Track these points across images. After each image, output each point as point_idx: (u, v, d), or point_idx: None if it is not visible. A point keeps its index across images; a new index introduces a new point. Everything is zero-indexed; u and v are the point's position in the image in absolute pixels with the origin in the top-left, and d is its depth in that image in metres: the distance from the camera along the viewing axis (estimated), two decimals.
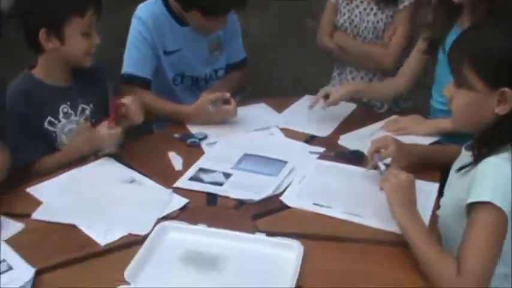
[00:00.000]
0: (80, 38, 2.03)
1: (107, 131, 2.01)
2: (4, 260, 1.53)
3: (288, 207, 1.79)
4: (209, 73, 2.59)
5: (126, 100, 2.05)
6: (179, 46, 2.46)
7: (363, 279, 1.49)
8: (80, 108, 2.16)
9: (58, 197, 1.83)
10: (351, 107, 2.45)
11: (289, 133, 2.26)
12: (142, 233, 1.63)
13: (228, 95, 2.29)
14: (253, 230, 1.65)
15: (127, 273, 1.44)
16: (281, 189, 1.87)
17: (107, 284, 1.42)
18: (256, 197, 1.81)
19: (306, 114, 2.37)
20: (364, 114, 2.44)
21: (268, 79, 3.53)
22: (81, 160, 2.03)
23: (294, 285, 1.41)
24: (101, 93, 2.23)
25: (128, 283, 1.42)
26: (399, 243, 1.58)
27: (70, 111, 2.14)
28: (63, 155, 2.09)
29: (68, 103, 2.14)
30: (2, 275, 1.49)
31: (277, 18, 4.42)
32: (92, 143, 2.04)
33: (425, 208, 1.72)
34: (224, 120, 2.29)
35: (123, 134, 2.04)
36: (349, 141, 2.18)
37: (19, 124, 2.02)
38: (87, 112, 2.17)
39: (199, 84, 2.57)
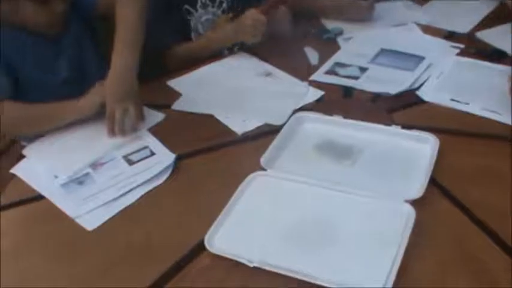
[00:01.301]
0: None
1: (252, 22, 1.99)
2: (147, 147, 1.62)
3: (424, 102, 1.75)
4: None
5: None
6: None
7: (496, 178, 1.45)
8: (217, 0, 2.17)
9: (197, 89, 1.88)
10: (492, 3, 2.33)
11: (427, 29, 2.19)
12: (278, 123, 1.65)
13: None
14: (389, 122, 1.63)
15: (263, 160, 1.48)
16: (418, 84, 1.83)
17: (244, 170, 1.45)
18: (393, 90, 1.78)
19: (445, 10, 2.29)
20: (507, 10, 2.31)
21: None
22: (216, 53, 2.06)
23: (428, 178, 1.40)
24: None
25: (264, 169, 1.46)
26: None
27: (208, 2, 2.15)
28: (202, 43, 2.13)
29: None
30: (145, 160, 1.57)
31: None
32: (236, 33, 2.04)
33: None
34: None
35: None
36: (490, 38, 2.09)
37: (158, 8, 2.05)
38: (224, 5, 2.17)
39: None
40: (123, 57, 1.71)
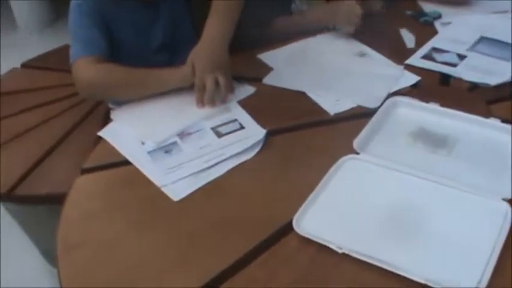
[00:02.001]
0: None
1: (347, 9, 1.95)
2: (236, 120, 1.59)
3: None
4: None
5: None
6: None
7: None
8: None
9: (288, 65, 1.84)
10: None
11: None
12: (373, 105, 1.60)
13: None
14: (487, 114, 1.56)
15: (356, 143, 1.43)
16: None
17: (336, 152, 1.42)
18: (492, 81, 1.71)
19: None
20: None
21: None
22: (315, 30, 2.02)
23: None
24: None
25: (357, 153, 1.42)
26: None
27: None
28: (301, 20, 2.08)
29: None
30: (234, 133, 1.55)
31: None
32: (331, 16, 2.00)
33: None
34: None
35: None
36: None
37: None
38: None
39: None
40: (217, 27, 1.69)
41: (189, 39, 1.85)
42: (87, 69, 1.68)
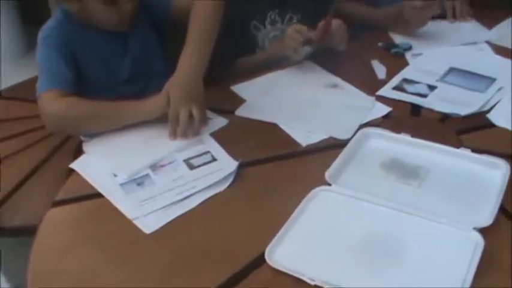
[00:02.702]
0: None
1: (293, 32, 1.93)
2: (208, 152, 1.59)
3: (495, 126, 1.70)
4: None
5: (334, 23, 1.95)
6: None
7: None
8: (287, 17, 2.15)
9: (261, 96, 1.85)
10: None
11: (499, 49, 2.13)
12: (344, 137, 1.61)
13: None
14: (458, 144, 1.58)
15: (328, 175, 1.44)
16: (488, 107, 1.77)
17: (308, 183, 1.42)
18: (462, 111, 1.73)
19: None
20: None
21: None
22: (275, 64, 2.02)
23: (497, 206, 1.34)
24: (312, 5, 2.15)
25: (329, 184, 1.42)
26: None
27: (277, 18, 2.14)
28: (260, 58, 2.11)
29: (277, 10, 2.14)
30: (207, 165, 1.54)
31: None
32: (279, 47, 2.01)
33: None
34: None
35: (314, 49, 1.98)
36: None
37: (225, 22, 2.04)
38: (294, 21, 2.14)
39: None
40: (192, 59, 1.70)
41: (161, 72, 1.87)
42: (52, 103, 1.66)
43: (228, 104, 1.81)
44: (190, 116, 1.64)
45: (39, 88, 1.70)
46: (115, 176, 1.52)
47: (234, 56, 2.09)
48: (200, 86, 1.68)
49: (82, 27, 1.78)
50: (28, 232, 1.77)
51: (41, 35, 1.77)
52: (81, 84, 1.78)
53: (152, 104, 1.67)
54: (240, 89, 1.90)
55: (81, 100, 1.68)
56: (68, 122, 1.68)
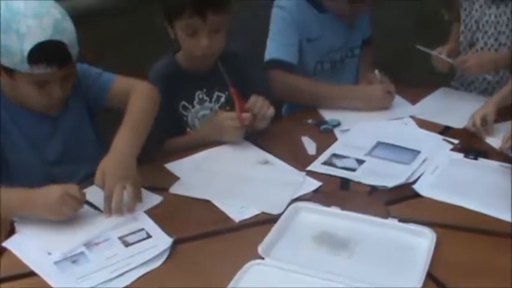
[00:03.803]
0: (185, 37, 2.06)
1: (229, 123, 2.01)
2: (143, 229, 1.61)
3: (420, 196, 1.77)
4: (345, 53, 2.55)
5: (249, 104, 2.02)
6: (321, 32, 2.44)
7: (494, 273, 1.45)
8: (215, 96, 2.21)
9: (194, 174, 1.88)
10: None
11: (423, 123, 2.23)
12: (276, 212, 1.65)
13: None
14: (386, 215, 1.64)
15: (261, 249, 1.47)
16: (414, 178, 1.84)
17: (241, 258, 1.45)
18: (389, 183, 1.80)
19: (441, 105, 2.35)
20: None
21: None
22: (207, 144, 2.06)
23: (425, 273, 1.40)
24: (238, 80, 2.18)
25: (262, 258, 1.45)
26: None
27: (205, 97, 2.20)
28: (190, 139, 2.15)
29: (204, 90, 2.20)
30: (141, 242, 1.56)
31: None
32: (215, 131, 2.06)
33: None
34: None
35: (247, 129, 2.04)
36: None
37: None
38: (223, 99, 2.21)
39: (336, 67, 2.55)
40: (126, 140, 1.74)
41: (93, 154, 1.88)
42: None
43: (162, 182, 1.84)
44: (124, 192, 1.65)
45: None
46: (49, 254, 1.52)
47: (163, 136, 2.12)
48: (134, 164, 1.71)
49: (11, 107, 1.80)
50: None
51: None
52: (9, 165, 1.80)
53: (39, 192, 1.62)
54: (174, 166, 1.93)
55: None
56: None
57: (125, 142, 1.73)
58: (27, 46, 1.62)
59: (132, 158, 1.72)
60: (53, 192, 1.57)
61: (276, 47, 2.40)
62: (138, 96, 1.89)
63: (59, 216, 1.59)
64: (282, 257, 1.47)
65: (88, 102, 1.94)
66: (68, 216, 1.60)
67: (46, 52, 1.64)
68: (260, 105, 2.03)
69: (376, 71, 2.39)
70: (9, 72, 1.69)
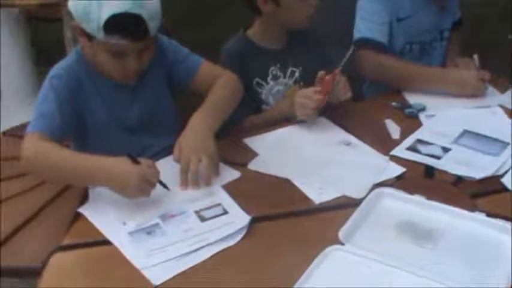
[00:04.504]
0: (295, 0, 2.02)
1: (303, 100, 1.94)
2: (219, 204, 1.57)
3: (508, 190, 1.67)
4: (434, 35, 2.46)
5: (337, 77, 1.95)
6: (412, 12, 2.35)
7: None
8: (289, 71, 2.16)
9: (273, 151, 1.84)
10: None
11: None
12: (358, 196, 1.60)
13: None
14: (472, 208, 1.56)
15: (342, 234, 1.42)
16: (502, 171, 1.75)
17: (320, 241, 1.40)
18: (476, 175, 1.71)
19: None
20: None
21: None
22: (284, 121, 2.01)
23: (510, 271, 1.32)
24: (313, 57, 2.18)
25: (342, 243, 1.40)
26: None
27: (279, 73, 2.16)
28: (266, 116, 2.11)
29: (278, 65, 2.15)
30: (218, 218, 1.52)
31: None
32: (288, 108, 2.00)
33: None
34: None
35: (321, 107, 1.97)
36: None
37: None
38: (297, 75, 2.16)
39: (425, 49, 2.45)
40: (204, 120, 1.73)
41: (169, 122, 1.90)
42: (29, 145, 1.64)
43: (241, 157, 1.80)
44: (201, 165, 1.63)
45: (28, 127, 1.69)
46: (124, 224, 1.50)
47: (239, 114, 2.06)
48: (211, 139, 1.69)
49: (92, 72, 1.78)
50: (28, 274, 1.76)
51: (50, 73, 1.77)
52: (87, 130, 1.80)
53: (118, 170, 1.56)
54: (253, 142, 1.89)
55: (54, 149, 1.63)
56: (35, 168, 1.65)
57: (202, 120, 1.73)
58: (104, 15, 1.60)
59: (209, 132, 1.70)
60: (132, 177, 1.52)
61: (367, 26, 2.31)
62: (222, 84, 1.88)
63: (132, 198, 1.56)
64: (363, 244, 1.41)
65: (171, 78, 1.92)
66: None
67: (122, 24, 1.62)
68: (339, 88, 1.97)
69: (475, 56, 2.29)
70: (89, 37, 1.69)
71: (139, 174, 1.52)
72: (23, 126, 2.65)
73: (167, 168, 1.65)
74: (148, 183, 1.54)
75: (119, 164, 1.55)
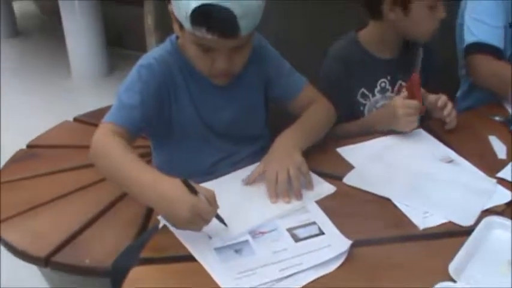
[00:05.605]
0: (426, 12, 1.87)
1: (402, 110, 1.80)
2: (314, 223, 1.44)
3: None
4: None
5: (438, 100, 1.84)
6: None
7: None
8: (398, 84, 2.02)
9: (370, 164, 1.70)
10: None
11: None
12: (465, 224, 1.45)
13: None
14: None
15: (452, 269, 1.28)
16: None
17: (428, 274, 1.28)
18: None
19: None
20: None
21: None
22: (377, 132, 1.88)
23: None
24: (424, 69, 2.01)
25: (453, 279, 1.26)
26: None
27: (388, 86, 2.02)
28: (359, 125, 1.98)
29: (388, 77, 2.02)
30: (313, 238, 1.40)
31: None
32: (387, 119, 1.86)
33: None
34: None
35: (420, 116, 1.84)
36: None
37: (328, 84, 1.94)
38: (404, 90, 1.97)
39: None
40: (294, 137, 1.67)
41: (260, 131, 1.81)
42: (99, 136, 1.55)
43: (334, 168, 1.67)
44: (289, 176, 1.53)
45: (106, 115, 1.60)
46: (210, 238, 1.38)
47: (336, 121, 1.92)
48: (298, 153, 1.59)
49: (186, 66, 1.67)
50: (97, 273, 1.69)
51: (140, 61, 1.66)
52: (171, 127, 1.70)
53: (171, 196, 1.37)
54: (347, 152, 1.76)
55: (118, 148, 1.50)
56: (96, 163, 1.55)
57: (289, 140, 1.65)
58: (193, 4, 1.46)
59: (296, 148, 1.61)
60: (184, 207, 1.33)
61: (483, 29, 2.13)
62: (317, 109, 1.79)
63: (179, 228, 1.40)
64: (475, 281, 1.27)
65: (269, 90, 1.82)
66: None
67: (209, 16, 1.48)
68: (449, 110, 1.85)
69: None
70: (181, 26, 1.57)
71: (194, 207, 1.33)
72: (96, 113, 2.61)
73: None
74: (202, 219, 1.37)
75: (174, 190, 1.37)
